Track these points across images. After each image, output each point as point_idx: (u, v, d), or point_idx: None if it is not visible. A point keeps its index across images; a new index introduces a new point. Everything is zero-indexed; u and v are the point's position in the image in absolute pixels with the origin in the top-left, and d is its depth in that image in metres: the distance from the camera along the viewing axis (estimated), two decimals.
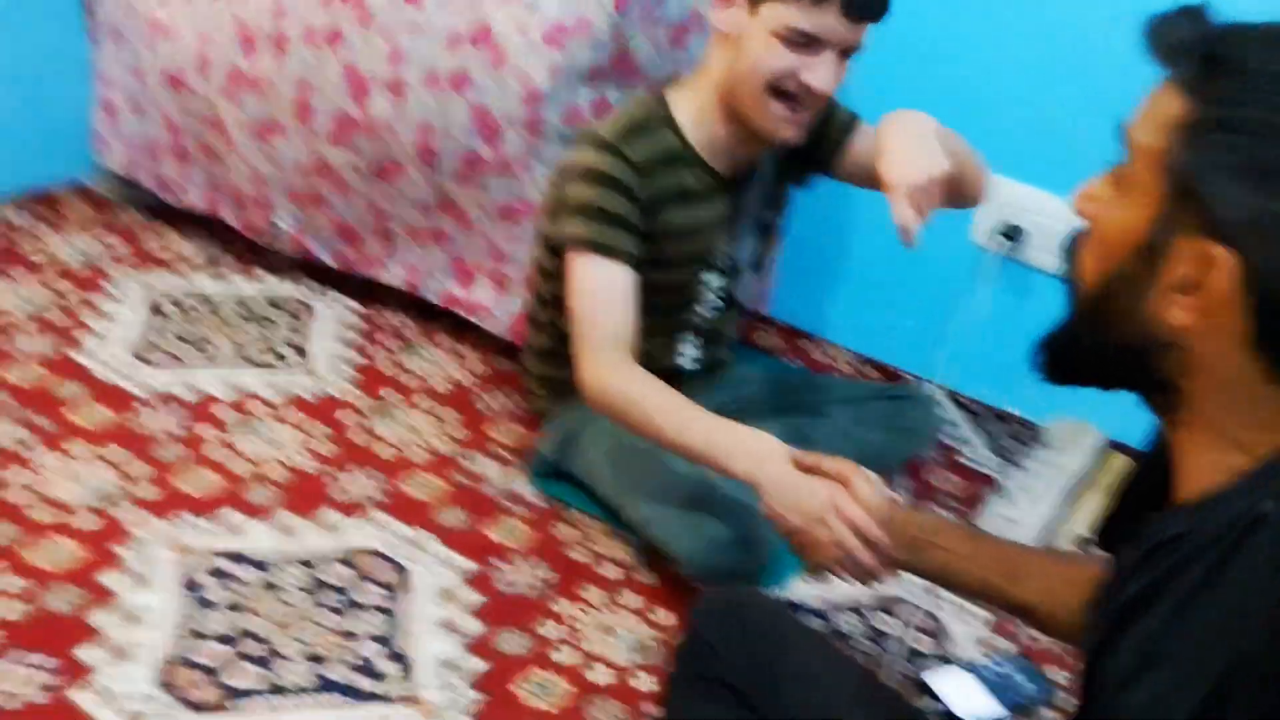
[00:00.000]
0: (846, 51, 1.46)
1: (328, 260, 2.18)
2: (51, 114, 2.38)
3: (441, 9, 1.82)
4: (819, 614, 1.63)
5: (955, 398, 2.20)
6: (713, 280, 1.71)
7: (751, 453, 1.37)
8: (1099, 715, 0.80)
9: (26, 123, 2.35)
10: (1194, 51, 0.73)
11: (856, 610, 1.65)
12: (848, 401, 1.84)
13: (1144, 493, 0.94)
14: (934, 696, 1.51)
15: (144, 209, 2.41)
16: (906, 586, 1.68)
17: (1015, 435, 2.13)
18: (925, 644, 1.61)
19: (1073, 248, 0.84)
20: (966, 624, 1.65)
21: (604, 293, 1.52)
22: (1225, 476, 0.76)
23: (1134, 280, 0.76)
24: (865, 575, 1.26)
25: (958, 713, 1.48)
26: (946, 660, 1.59)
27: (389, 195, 2.02)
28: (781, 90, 1.46)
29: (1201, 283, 0.72)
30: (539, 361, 1.77)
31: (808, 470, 1.32)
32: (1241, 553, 0.71)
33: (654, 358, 1.61)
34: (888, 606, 1.66)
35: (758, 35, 1.43)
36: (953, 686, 1.52)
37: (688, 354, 1.77)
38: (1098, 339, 0.81)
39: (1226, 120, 0.71)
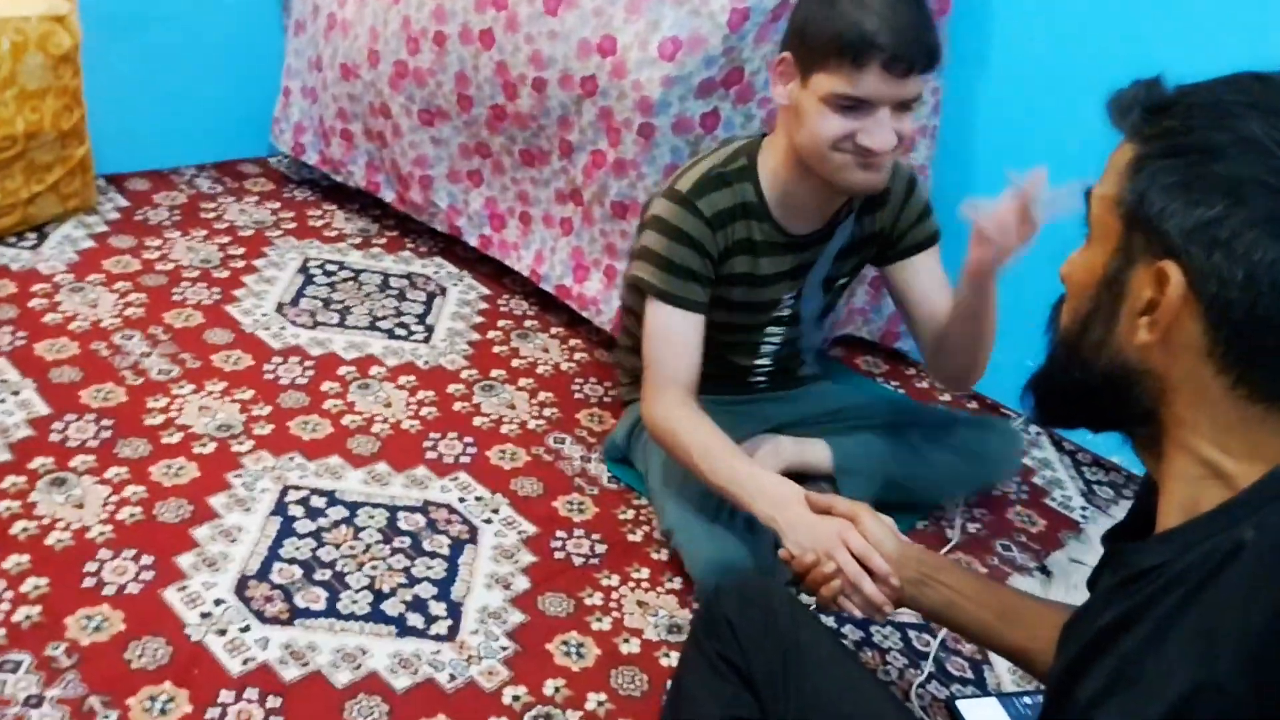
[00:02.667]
0: (903, 105, 1.45)
1: (473, 240, 2.35)
2: (248, 96, 2.67)
3: (577, 20, 1.96)
4: (860, 625, 1.66)
5: (1057, 440, 2.17)
6: (775, 330, 1.76)
7: (771, 497, 1.44)
8: None
9: (225, 102, 2.65)
10: (1140, 104, 0.79)
11: (899, 626, 1.67)
12: (926, 424, 1.86)
13: (1123, 530, 0.97)
14: (960, 719, 1.52)
15: (314, 188, 2.66)
16: None
17: (1111, 484, 2.08)
18: (965, 670, 1.62)
19: (1054, 313, 0.88)
20: None
21: (670, 338, 1.61)
22: (1206, 507, 0.77)
23: (1102, 313, 0.80)
24: (870, 608, 1.30)
25: None
26: (982, 688, 1.59)
27: (535, 181, 2.19)
28: (845, 151, 1.47)
29: (1158, 300, 0.75)
30: (628, 353, 1.87)
31: (821, 511, 1.38)
32: (1220, 578, 0.73)
33: (721, 375, 1.70)
34: (930, 627, 1.67)
35: (811, 105, 1.45)
36: (979, 712, 1.52)
37: (758, 376, 1.84)
38: (1076, 376, 0.84)
39: (1166, 149, 0.76)
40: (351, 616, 1.52)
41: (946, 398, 2.28)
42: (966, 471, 1.85)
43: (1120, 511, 1.98)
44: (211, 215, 2.47)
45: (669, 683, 1.26)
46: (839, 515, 1.34)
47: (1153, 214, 0.75)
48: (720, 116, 1.91)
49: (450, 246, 2.48)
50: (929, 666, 1.60)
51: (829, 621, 1.61)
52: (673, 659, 1.53)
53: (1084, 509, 2.01)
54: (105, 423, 1.79)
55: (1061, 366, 0.86)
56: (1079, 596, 1.11)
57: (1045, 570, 1.83)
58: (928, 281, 1.71)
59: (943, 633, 1.66)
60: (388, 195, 2.47)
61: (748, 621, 1.20)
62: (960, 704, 1.53)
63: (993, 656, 1.64)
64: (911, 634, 1.66)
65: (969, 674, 1.61)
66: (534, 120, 2.09)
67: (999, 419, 1.90)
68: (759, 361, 1.80)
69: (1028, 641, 1.14)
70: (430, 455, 1.86)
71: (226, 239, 2.39)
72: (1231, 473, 0.76)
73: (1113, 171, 0.80)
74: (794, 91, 1.49)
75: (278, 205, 2.57)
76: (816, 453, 1.79)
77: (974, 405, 2.26)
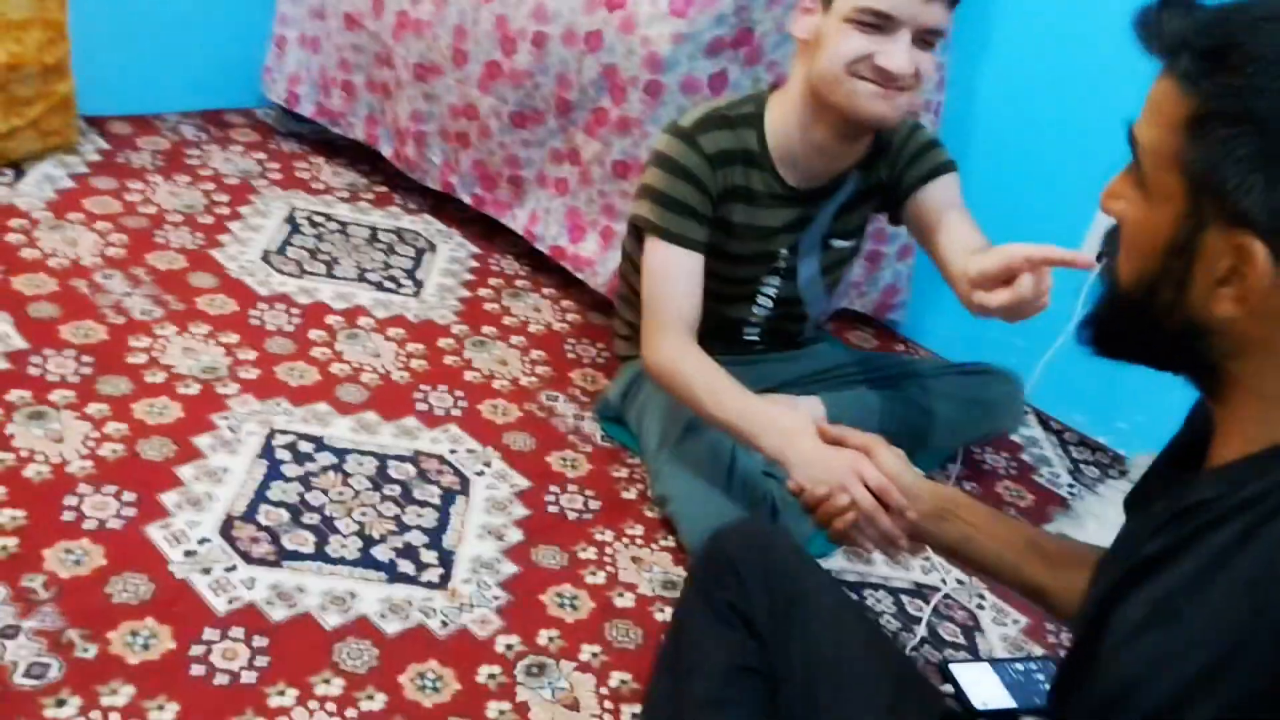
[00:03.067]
0: (925, 35, 1.45)
1: (465, 198, 2.31)
2: (235, 44, 2.60)
3: None
4: (854, 588, 1.64)
5: (1044, 420, 2.18)
6: (769, 285, 1.74)
7: (781, 429, 1.42)
8: (1101, 664, 0.80)
9: (213, 50, 2.58)
10: (1191, 45, 0.73)
11: (891, 590, 1.66)
12: (923, 375, 1.85)
13: (1175, 464, 0.93)
14: (952, 681, 1.51)
15: (301, 140, 2.61)
16: (947, 579, 1.69)
17: (1098, 464, 2.09)
18: (957, 635, 1.61)
19: (1110, 242, 0.84)
20: (1003, 625, 1.64)
21: (669, 276, 1.59)
22: (1264, 445, 0.75)
23: (1173, 278, 0.76)
24: (886, 542, 1.27)
25: (972, 700, 1.47)
26: (974, 653, 1.59)
27: (527, 141, 2.15)
28: (861, 76, 1.47)
29: (1240, 272, 0.72)
30: (626, 305, 1.84)
31: (833, 442, 1.34)
32: (1274, 523, 0.70)
33: (717, 331, 1.68)
34: (923, 593, 1.66)
35: (833, 27, 1.45)
36: (971, 676, 1.51)
37: (751, 333, 1.82)
38: (1144, 330, 0.81)
39: (1234, 113, 0.70)
40: (341, 561, 1.48)
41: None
42: (969, 420, 1.85)
43: (1107, 490, 1.99)
44: (196, 162, 2.41)
45: (667, 628, 1.23)
46: (852, 447, 1.30)
47: (1228, 187, 0.71)
48: (729, 78, 1.89)
49: (440, 205, 2.44)
50: (922, 631, 1.59)
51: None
52: (667, 614, 1.51)
53: (1071, 486, 2.01)
54: (85, 359, 1.74)
55: (1126, 319, 0.83)
56: None
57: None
58: (944, 213, 1.60)
59: (936, 598, 1.65)
60: (385, 149, 2.42)
61: (751, 567, 1.17)
62: (954, 667, 1.52)
63: (984, 623, 1.64)
64: (904, 599, 1.65)
65: (960, 639, 1.60)
66: (529, 78, 2.04)
67: (1000, 369, 1.88)
68: (753, 316, 1.77)
69: (1045, 577, 1.13)
70: (420, 406, 1.82)
71: (211, 186, 2.33)
72: None
73: (1164, 119, 0.75)
74: (815, 21, 1.49)
75: (264, 156, 2.51)
76: (810, 407, 1.77)
77: None
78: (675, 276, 1.59)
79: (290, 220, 2.28)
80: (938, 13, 1.44)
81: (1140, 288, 0.79)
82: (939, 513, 1.23)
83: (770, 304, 1.76)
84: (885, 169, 1.69)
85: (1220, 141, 0.70)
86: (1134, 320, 0.82)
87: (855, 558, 1.69)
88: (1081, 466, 2.08)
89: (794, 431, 1.39)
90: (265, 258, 2.13)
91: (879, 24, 1.43)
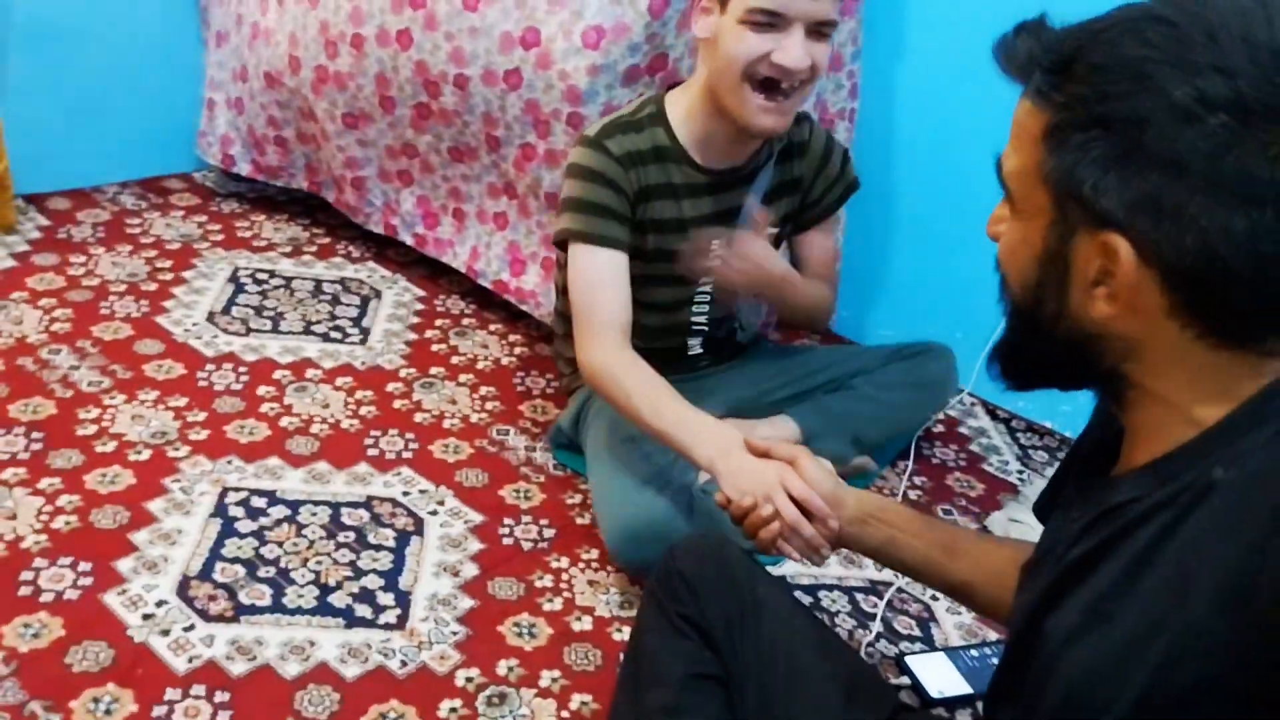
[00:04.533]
0: (818, 28, 1.50)
1: (407, 239, 2.34)
2: (168, 111, 2.63)
3: (499, 14, 1.96)
4: (808, 589, 1.67)
5: (991, 410, 2.22)
6: (707, 286, 1.78)
7: (712, 442, 1.44)
8: (1039, 671, 0.82)
9: (146, 118, 2.62)
10: (1040, 63, 0.76)
11: (845, 590, 1.69)
12: (867, 370, 1.90)
13: (1085, 467, 0.96)
14: (909, 674, 1.54)
15: (241, 200, 2.63)
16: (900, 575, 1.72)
17: (1046, 448, 2.13)
18: (912, 628, 1.64)
19: (1000, 266, 0.87)
20: (958, 614, 1.67)
21: (597, 279, 1.62)
22: (1172, 445, 0.77)
23: (1051, 286, 0.79)
24: (809, 550, 1.30)
25: (928, 689, 1.51)
26: (930, 644, 1.62)
27: (466, 176, 2.20)
28: (758, 80, 1.52)
29: (1111, 271, 0.74)
30: (563, 342, 1.88)
31: (760, 455, 1.38)
32: (1192, 517, 0.72)
33: (662, 350, 1.72)
34: (876, 589, 1.69)
35: (729, 28, 1.51)
36: (927, 666, 1.55)
37: (694, 346, 1.86)
38: (1038, 345, 0.83)
39: (1083, 119, 0.73)
40: (298, 611, 1.50)
41: None
42: (917, 401, 1.93)
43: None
44: (137, 231, 2.43)
45: (626, 646, 1.26)
46: (777, 459, 1.34)
47: (1085, 189, 0.72)
48: None
49: (383, 251, 2.47)
50: (877, 626, 1.62)
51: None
52: (625, 634, 1.53)
53: (1020, 472, 2.05)
54: (35, 435, 1.76)
55: (1021, 337, 0.85)
56: None
57: (985, 530, 1.87)
58: (824, 254, 1.87)
59: (889, 593, 1.69)
60: (329, 195, 2.46)
61: (704, 578, 1.20)
62: (910, 660, 1.56)
63: (939, 613, 1.67)
64: (859, 596, 1.68)
65: (916, 631, 1.63)
66: (459, 117, 2.09)
67: (931, 343, 1.95)
68: (695, 322, 1.81)
69: (970, 574, 1.16)
70: (371, 452, 1.85)
71: (153, 253, 2.36)
72: (1201, 415, 0.75)
73: (1025, 137, 0.78)
74: (713, 21, 1.54)
75: (204, 218, 2.54)
76: (783, 429, 1.80)
77: None
78: (602, 279, 1.63)
79: (234, 280, 2.31)
80: (826, 4, 1.49)
81: (1027, 298, 0.81)
82: (862, 518, 1.26)
83: (708, 306, 1.80)
84: (805, 169, 1.77)
85: (1075, 147, 0.73)
86: (1029, 336, 0.84)
87: (808, 562, 1.72)
88: (1030, 452, 2.12)
89: (723, 444, 1.42)
90: (210, 319, 2.15)
91: (772, 22, 1.48)
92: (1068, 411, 2.15)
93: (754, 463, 1.36)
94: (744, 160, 1.71)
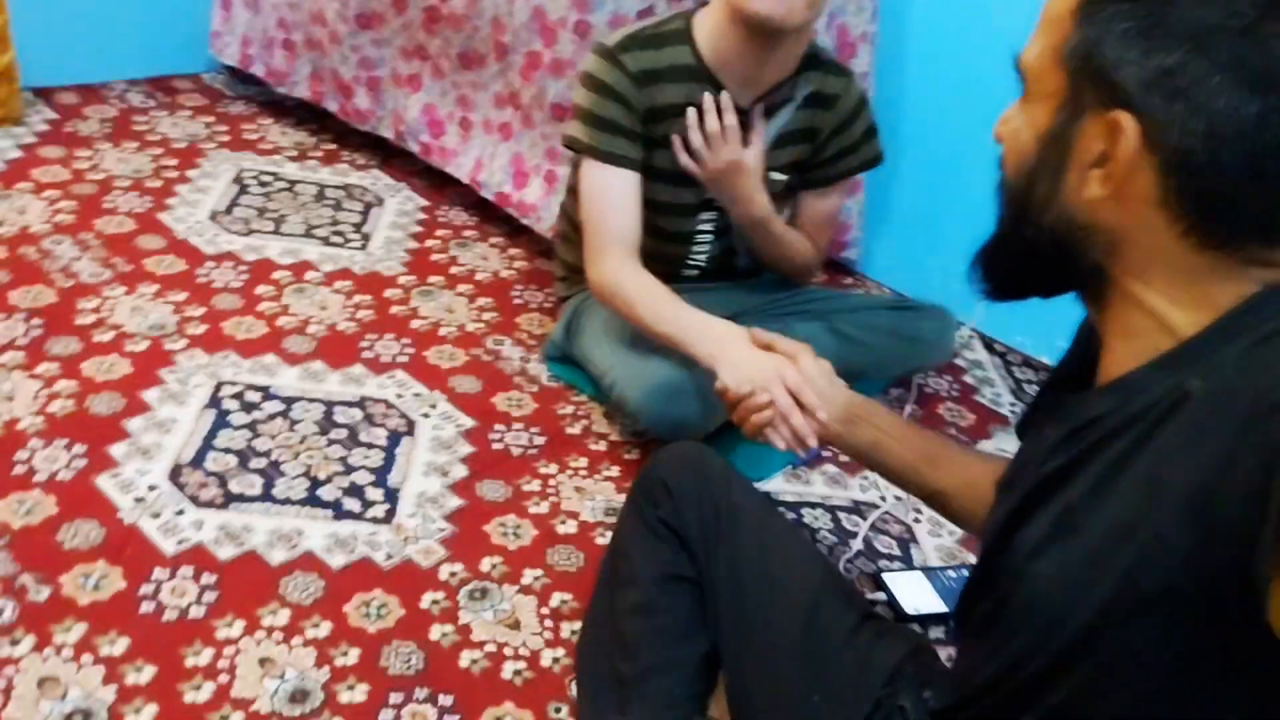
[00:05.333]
0: None
1: (413, 146, 2.34)
2: (178, 10, 2.61)
3: None
4: (791, 507, 1.69)
5: (988, 342, 2.22)
6: (709, 216, 1.77)
7: (714, 335, 1.47)
8: (1006, 583, 0.83)
9: (155, 16, 2.60)
10: None
11: (829, 509, 1.71)
12: (855, 309, 1.89)
13: (1065, 385, 0.95)
14: (885, 590, 1.56)
15: (249, 102, 2.62)
16: (887, 497, 1.74)
17: (1041, 383, 2.13)
18: (892, 548, 1.66)
19: (1000, 165, 0.86)
20: (938, 537, 1.69)
21: (606, 197, 1.63)
22: (1151, 358, 0.77)
23: (1048, 168, 0.78)
24: (795, 440, 1.33)
25: (904, 606, 1.53)
26: (909, 564, 1.64)
27: (474, 84, 2.18)
28: None
29: (1111, 153, 0.73)
30: (563, 245, 1.88)
31: (763, 347, 1.41)
32: (1164, 429, 0.72)
33: (659, 272, 1.71)
34: (860, 509, 1.71)
35: None
36: (904, 584, 1.57)
37: (690, 274, 1.85)
38: (1025, 236, 0.82)
39: None
40: (287, 501, 1.53)
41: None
42: (899, 353, 1.90)
43: None
44: (143, 128, 2.43)
45: (606, 549, 1.28)
46: (780, 353, 1.37)
47: (1106, 64, 0.72)
48: (655, 12, 1.91)
49: (389, 159, 2.47)
50: (858, 545, 1.64)
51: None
52: (608, 538, 1.55)
53: (1012, 405, 2.06)
54: (35, 322, 1.77)
55: (1009, 227, 0.84)
56: None
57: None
58: (819, 218, 1.85)
59: (873, 515, 1.70)
60: (331, 105, 2.44)
61: (682, 484, 1.22)
62: (886, 576, 1.58)
63: (920, 535, 1.69)
64: (841, 515, 1.70)
65: (896, 551, 1.65)
66: (468, 21, 2.07)
67: (932, 305, 1.93)
68: (695, 250, 1.81)
69: (947, 483, 1.17)
70: (367, 354, 1.86)
71: (159, 150, 2.36)
72: (1178, 323, 0.75)
73: (1052, 20, 0.77)
74: None
75: (211, 119, 2.53)
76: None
77: None
78: (612, 196, 1.63)
79: (238, 181, 2.31)
80: None
81: (1020, 182, 0.81)
82: (850, 417, 1.29)
83: (711, 238, 1.80)
84: (828, 120, 1.73)
85: (1103, 20, 0.73)
86: (1017, 224, 0.83)
87: (794, 479, 1.74)
88: (1024, 385, 2.13)
89: (726, 338, 1.45)
90: (213, 217, 2.16)
91: None
92: (1065, 347, 2.14)
93: (755, 354, 1.39)
94: (765, 90, 1.67)
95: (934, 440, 1.27)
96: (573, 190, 1.79)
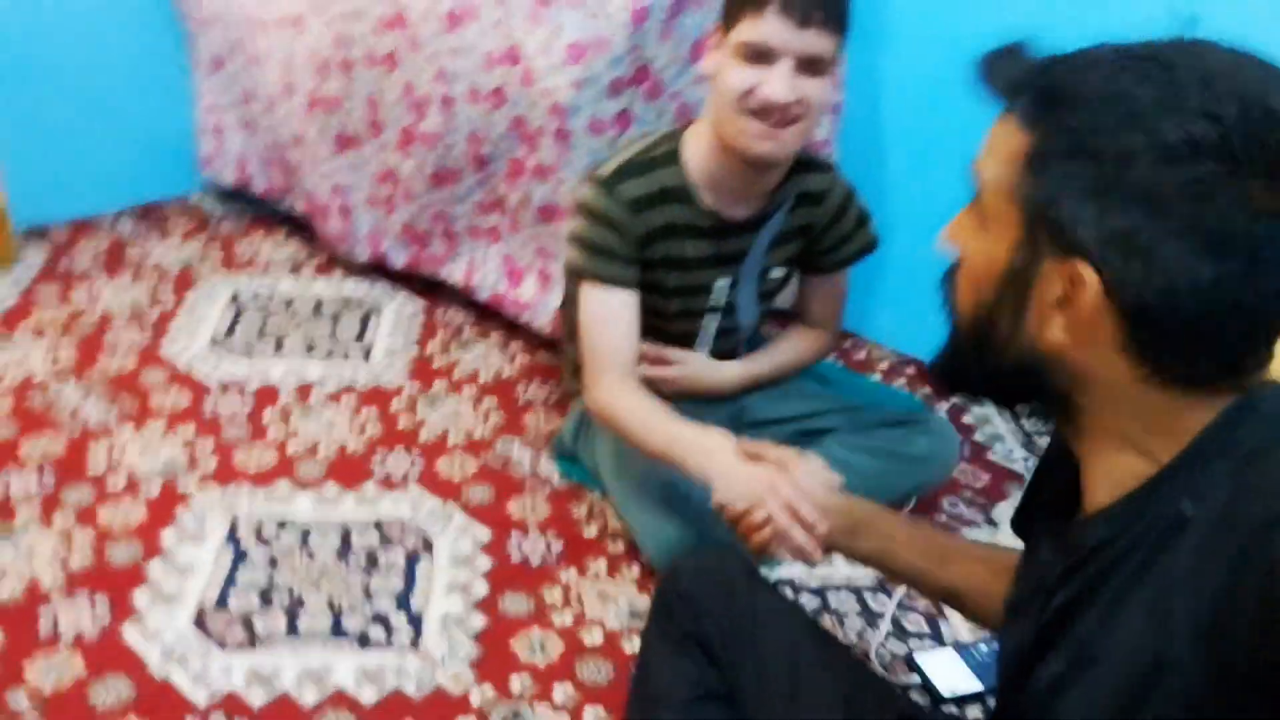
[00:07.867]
0: (809, 64, 1.48)
1: (398, 262, 2.36)
2: (161, 138, 2.65)
3: (479, 34, 1.97)
4: (816, 592, 1.69)
5: None
6: (711, 321, 1.79)
7: (703, 449, 1.46)
8: (1033, 717, 0.83)
9: (138, 145, 2.63)
10: (1028, 86, 0.76)
11: (854, 590, 1.70)
12: (852, 429, 1.84)
13: (1055, 483, 0.95)
14: (919, 672, 1.56)
15: (240, 220, 2.65)
16: None
17: (1049, 433, 2.14)
18: (921, 625, 1.66)
19: (948, 278, 0.87)
20: None
21: (605, 320, 1.65)
22: (1134, 481, 0.78)
23: (1009, 305, 0.79)
24: (800, 554, 1.30)
25: (939, 688, 1.53)
26: (939, 640, 1.63)
27: (450, 198, 2.21)
28: (750, 111, 1.50)
29: (1072, 299, 0.74)
30: (571, 343, 1.88)
31: (753, 459, 1.38)
32: (1165, 554, 0.73)
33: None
34: (885, 588, 1.71)
35: (725, 63, 1.50)
36: (938, 664, 1.57)
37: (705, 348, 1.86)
38: (986, 364, 0.83)
39: (1068, 148, 0.73)
40: (313, 636, 1.53)
41: (886, 368, 2.33)
42: (895, 475, 1.81)
43: None
44: (137, 258, 2.46)
45: (635, 660, 1.27)
46: (770, 462, 1.34)
47: (1063, 218, 0.72)
48: (633, 115, 1.94)
49: (383, 264, 2.49)
50: (886, 626, 1.64)
51: (779, 573, 1.64)
52: (636, 643, 1.55)
53: (1025, 459, 2.06)
54: (47, 472, 1.78)
55: (968, 355, 0.85)
56: None
57: (992, 521, 1.88)
58: (826, 299, 1.87)
59: (899, 593, 1.70)
60: (319, 224, 2.47)
61: (705, 594, 1.21)
62: (919, 657, 1.58)
63: (946, 608, 1.69)
64: (867, 596, 1.69)
65: (926, 628, 1.65)
66: (441, 140, 2.09)
67: (931, 415, 1.89)
68: (699, 346, 1.82)
69: (960, 582, 1.16)
70: (378, 472, 1.87)
71: (154, 279, 2.38)
72: (1155, 449, 0.76)
73: (1003, 155, 0.77)
74: (716, 58, 1.53)
75: (203, 241, 2.56)
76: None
77: (914, 373, 2.30)
78: (610, 319, 1.65)
79: (235, 301, 2.33)
80: (815, 40, 1.46)
81: (979, 320, 0.82)
82: (852, 526, 1.26)
83: (713, 340, 1.81)
84: (820, 216, 1.74)
85: (1055, 176, 0.73)
86: (976, 355, 0.83)
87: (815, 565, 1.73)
88: (1034, 438, 2.13)
89: (715, 450, 1.43)
90: (213, 344, 2.18)
91: (760, 55, 1.47)
92: None
93: (745, 467, 1.37)
94: (754, 211, 1.68)
95: (941, 538, 1.27)
96: (570, 300, 1.80)
